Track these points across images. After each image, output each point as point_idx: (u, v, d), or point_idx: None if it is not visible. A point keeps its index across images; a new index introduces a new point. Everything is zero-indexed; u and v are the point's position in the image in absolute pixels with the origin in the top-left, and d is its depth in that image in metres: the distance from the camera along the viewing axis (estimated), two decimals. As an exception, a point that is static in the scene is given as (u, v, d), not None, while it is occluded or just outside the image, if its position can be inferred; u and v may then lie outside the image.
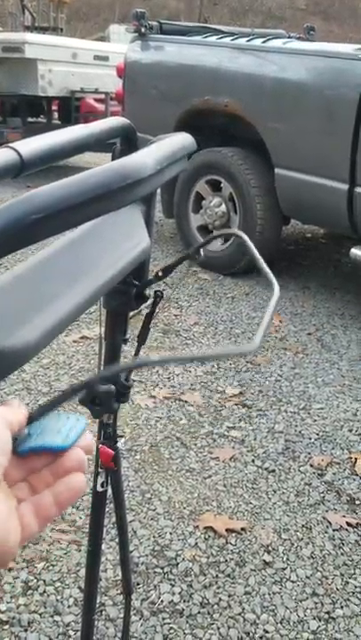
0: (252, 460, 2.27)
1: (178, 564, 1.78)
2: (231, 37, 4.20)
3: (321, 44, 4.28)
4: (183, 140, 0.59)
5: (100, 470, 0.87)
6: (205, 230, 4.11)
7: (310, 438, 2.43)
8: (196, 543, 1.86)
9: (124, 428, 2.35)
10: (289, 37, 4.72)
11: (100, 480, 0.87)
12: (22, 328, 0.45)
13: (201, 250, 0.74)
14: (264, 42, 3.98)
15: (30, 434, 0.44)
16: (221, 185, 3.96)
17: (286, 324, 3.45)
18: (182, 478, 2.14)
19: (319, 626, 1.65)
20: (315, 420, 2.54)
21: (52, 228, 0.41)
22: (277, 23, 21.26)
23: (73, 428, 0.44)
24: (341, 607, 1.71)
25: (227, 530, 1.91)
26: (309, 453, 2.33)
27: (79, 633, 1.53)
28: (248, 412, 2.57)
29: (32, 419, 0.43)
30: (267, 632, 1.62)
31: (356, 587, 1.78)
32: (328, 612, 1.69)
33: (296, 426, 2.50)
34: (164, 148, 0.53)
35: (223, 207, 3.96)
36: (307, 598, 1.73)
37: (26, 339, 0.45)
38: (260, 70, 3.65)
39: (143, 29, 4.34)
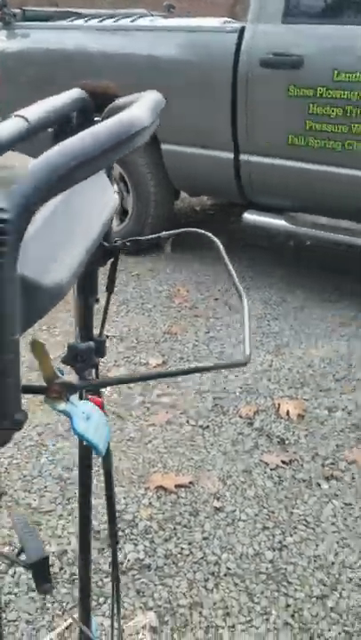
0: (187, 421, 2.39)
1: (137, 524, 1.87)
2: (98, 19, 4.22)
3: (189, 19, 4.40)
4: (157, 95, 0.67)
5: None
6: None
7: (235, 392, 2.58)
8: (150, 502, 1.96)
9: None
10: (152, 16, 4.80)
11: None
12: (54, 269, 0.52)
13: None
14: (132, 22, 4.04)
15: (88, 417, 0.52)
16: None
17: (193, 293, 3.58)
18: (124, 448, 2.22)
19: (274, 555, 1.80)
20: (236, 376, 2.69)
21: (84, 172, 0.47)
22: (130, 3, 21.28)
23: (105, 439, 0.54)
24: (291, 535, 1.87)
25: (176, 486, 2.02)
26: (237, 406, 2.48)
27: (55, 604, 1.59)
28: (174, 378, 2.68)
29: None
30: (229, 569, 1.75)
31: (300, 515, 1.95)
32: (280, 542, 1.85)
33: (220, 383, 2.64)
34: (150, 103, 0.60)
35: (115, 187, 4.01)
36: (259, 533, 1.87)
37: (58, 278, 0.52)
38: (134, 49, 3.71)
39: (7, 18, 4.27)
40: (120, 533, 1.84)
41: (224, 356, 2.87)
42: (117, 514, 1.91)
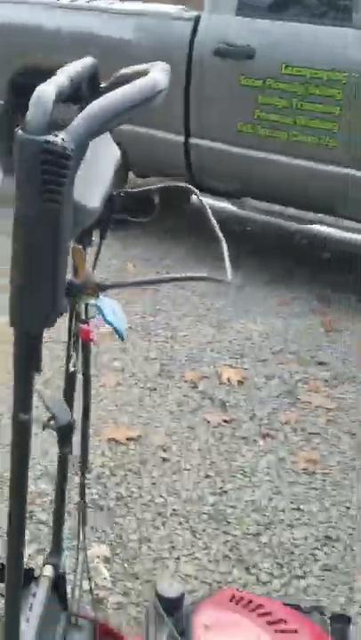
0: (135, 383, 2.55)
1: (91, 471, 2.02)
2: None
3: (147, 4, 4.50)
4: (167, 65, 0.82)
5: (71, 353, 1.08)
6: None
7: (181, 360, 2.76)
8: (103, 452, 2.12)
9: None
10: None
11: (72, 360, 1.08)
12: (90, 197, 0.67)
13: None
14: (88, 2, 4.12)
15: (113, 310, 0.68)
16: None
17: (140, 268, 3.73)
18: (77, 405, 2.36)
19: (215, 499, 2.00)
20: (183, 346, 2.87)
21: (119, 120, 0.63)
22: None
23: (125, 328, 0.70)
24: (230, 482, 2.07)
25: (126, 438, 2.19)
26: (183, 372, 2.66)
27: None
28: (123, 345, 2.83)
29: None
30: (175, 510, 1.93)
31: (238, 466, 2.15)
32: (220, 488, 2.05)
33: (167, 352, 2.81)
34: (165, 71, 0.75)
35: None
36: (202, 480, 2.06)
37: (94, 204, 0.67)
38: (91, 29, 3.80)
39: None
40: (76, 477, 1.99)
41: (170, 328, 3.04)
42: (71, 464, 2.05)
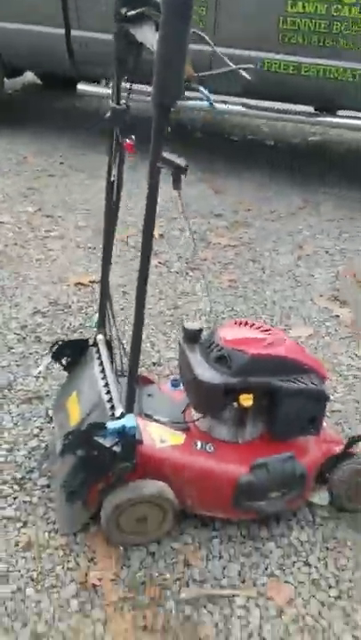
0: (77, 246, 3.01)
1: (70, 306, 2.51)
2: None
3: None
4: None
5: (113, 166, 1.56)
6: None
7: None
8: (75, 292, 2.60)
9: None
10: None
11: (114, 172, 1.57)
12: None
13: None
14: None
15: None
16: None
17: (37, 159, 4.05)
18: (36, 265, 2.80)
19: (172, 312, 2.58)
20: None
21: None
22: None
23: None
24: (179, 300, 2.66)
25: (89, 281, 2.69)
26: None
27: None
28: (53, 218, 3.25)
29: None
30: (147, 323, 2.50)
31: (181, 291, 2.74)
32: (173, 305, 2.63)
33: (94, 220, 3.27)
34: None
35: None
36: (158, 302, 2.63)
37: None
38: None
39: None
40: (59, 312, 2.47)
41: (89, 205, 3.48)
42: (53, 301, 2.53)
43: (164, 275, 2.85)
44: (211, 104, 1.24)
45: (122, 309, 2.55)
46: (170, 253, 3.03)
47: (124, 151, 1.56)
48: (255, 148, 4.62)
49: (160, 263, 2.93)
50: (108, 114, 1.54)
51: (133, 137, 1.53)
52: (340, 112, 3.82)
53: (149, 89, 1.15)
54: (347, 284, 2.89)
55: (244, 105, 3.72)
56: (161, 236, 3.18)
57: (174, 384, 1.86)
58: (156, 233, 3.23)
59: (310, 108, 3.86)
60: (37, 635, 1.38)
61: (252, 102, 3.76)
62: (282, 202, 3.73)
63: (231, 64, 1.23)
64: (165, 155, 1.24)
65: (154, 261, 2.93)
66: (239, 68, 1.23)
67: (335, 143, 4.92)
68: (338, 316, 2.63)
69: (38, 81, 5.65)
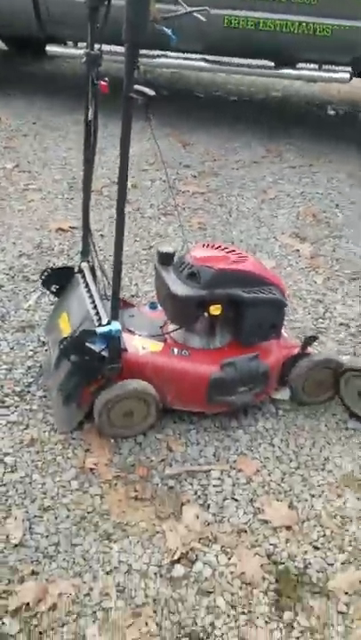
0: (56, 196, 3.21)
1: (53, 249, 2.72)
2: None
3: None
4: None
5: (89, 107, 1.77)
6: None
7: (82, 178, 3.43)
8: (56, 237, 2.82)
9: None
10: None
11: (90, 112, 1.78)
12: None
13: None
14: None
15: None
16: None
17: (11, 120, 4.20)
18: (19, 215, 3.00)
19: (146, 252, 2.81)
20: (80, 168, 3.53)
21: None
22: None
23: None
24: (153, 241, 2.89)
25: (69, 227, 2.90)
26: (87, 185, 3.35)
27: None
28: (31, 173, 3.43)
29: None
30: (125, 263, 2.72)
31: (154, 232, 2.96)
32: (148, 245, 2.86)
33: (70, 174, 3.46)
34: None
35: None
36: (133, 243, 2.85)
37: None
38: None
39: None
40: (44, 255, 2.69)
41: (63, 161, 3.66)
42: (36, 244, 2.74)
43: (138, 220, 3.07)
44: (174, 41, 1.45)
45: (101, 250, 2.77)
46: (142, 201, 3.25)
47: (99, 92, 1.77)
48: (221, 104, 4.82)
49: (134, 209, 3.14)
50: (84, 59, 1.74)
51: (107, 79, 1.74)
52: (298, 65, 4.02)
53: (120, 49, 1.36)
54: (306, 222, 3.14)
55: (206, 60, 3.90)
56: (134, 186, 3.39)
57: (152, 306, 2.10)
58: (128, 184, 3.45)
59: (271, 63, 4.05)
60: (45, 508, 1.63)
61: (214, 58, 3.94)
62: (246, 152, 3.95)
63: (187, 7, 1.44)
64: (136, 86, 1.45)
65: (128, 208, 3.13)
66: (193, 11, 1.44)
67: (297, 98, 5.13)
68: (298, 250, 2.89)
69: (4, 47, 5.73)
